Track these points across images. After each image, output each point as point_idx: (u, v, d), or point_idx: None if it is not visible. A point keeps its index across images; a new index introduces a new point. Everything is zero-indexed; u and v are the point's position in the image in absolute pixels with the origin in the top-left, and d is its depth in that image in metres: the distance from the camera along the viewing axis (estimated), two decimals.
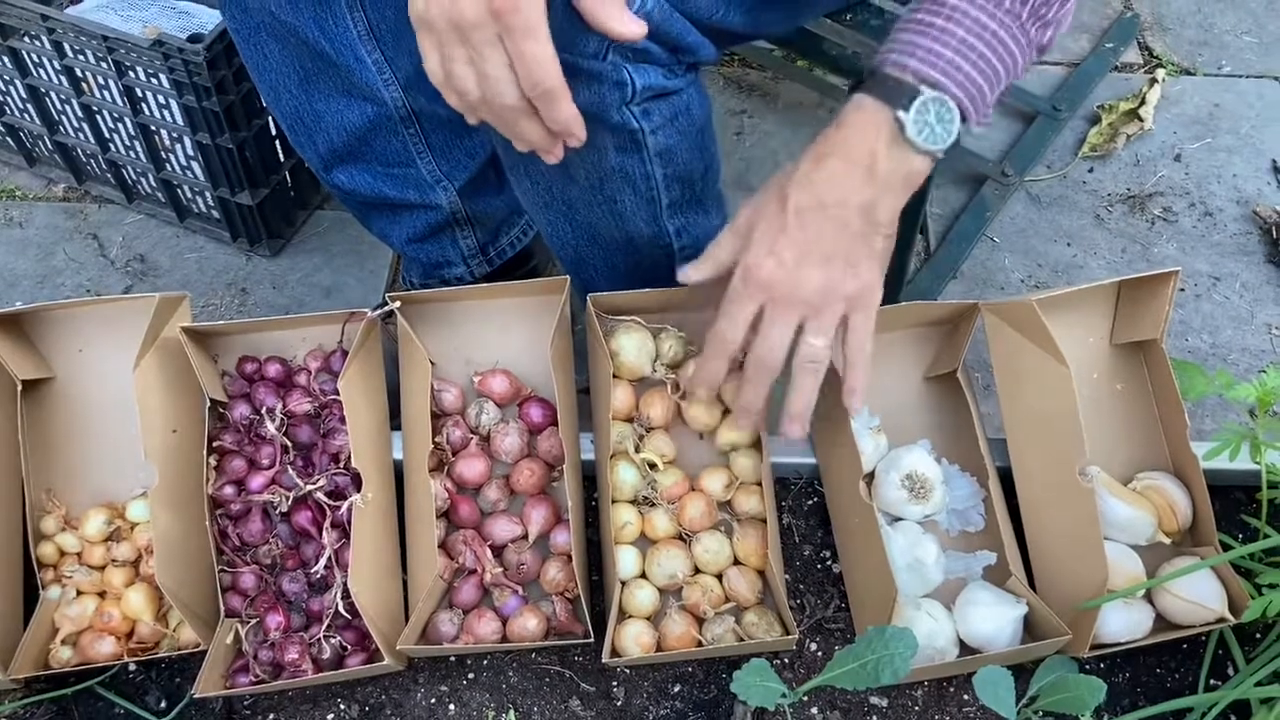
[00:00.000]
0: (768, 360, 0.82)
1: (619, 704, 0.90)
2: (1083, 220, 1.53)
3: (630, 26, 0.75)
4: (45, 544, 0.93)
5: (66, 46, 1.28)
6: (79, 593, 0.92)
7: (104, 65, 1.28)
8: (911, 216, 1.18)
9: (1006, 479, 0.96)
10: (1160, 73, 1.69)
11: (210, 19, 1.57)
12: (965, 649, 0.90)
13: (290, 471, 0.92)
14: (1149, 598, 0.92)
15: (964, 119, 0.80)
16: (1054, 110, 1.62)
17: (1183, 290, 1.47)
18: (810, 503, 1.00)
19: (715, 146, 0.99)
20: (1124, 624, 0.90)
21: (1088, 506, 0.88)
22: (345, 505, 0.90)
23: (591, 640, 0.89)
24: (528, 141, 0.78)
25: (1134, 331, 0.96)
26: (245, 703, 0.90)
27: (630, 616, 0.90)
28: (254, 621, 0.90)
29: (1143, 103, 1.64)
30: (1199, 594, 0.90)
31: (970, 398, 0.95)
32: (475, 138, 1.19)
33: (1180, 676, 0.93)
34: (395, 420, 0.99)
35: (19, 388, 0.90)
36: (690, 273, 0.85)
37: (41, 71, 1.35)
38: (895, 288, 1.29)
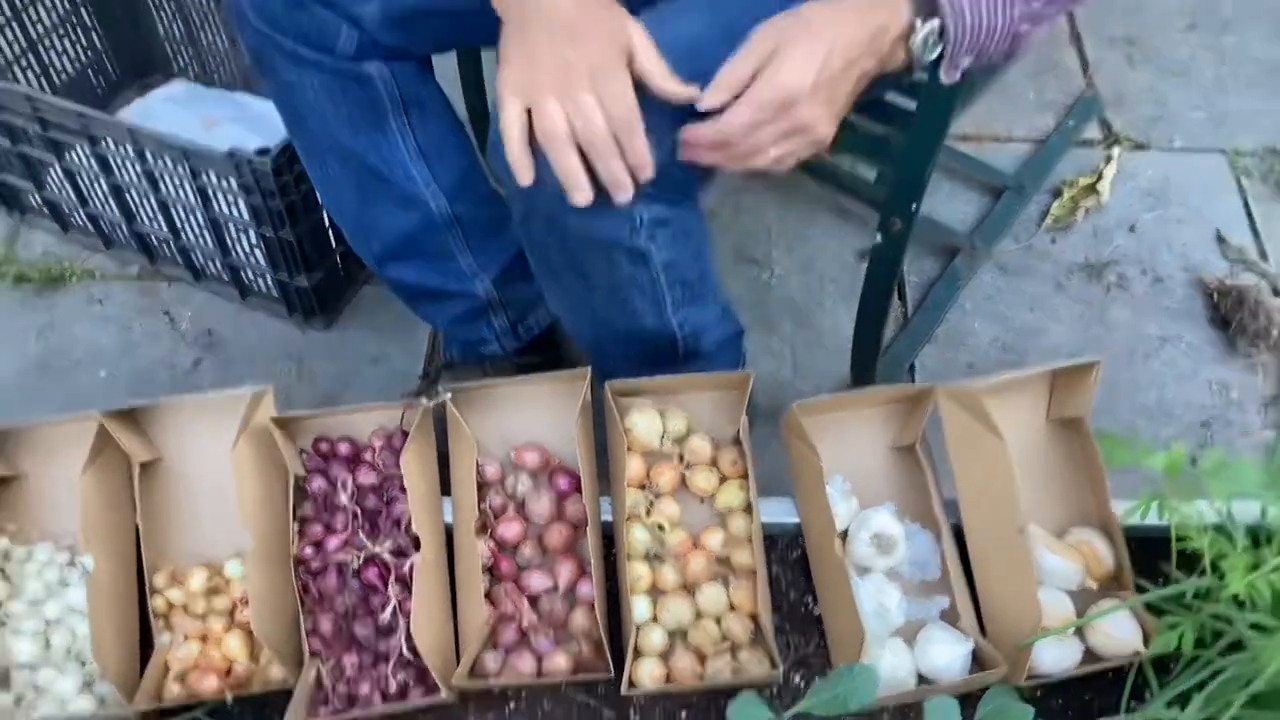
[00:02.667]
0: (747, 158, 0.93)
1: None
2: (1045, 288, 1.71)
3: (682, 90, 0.89)
4: (158, 597, 1.11)
5: (148, 153, 1.47)
6: (186, 637, 1.10)
7: (180, 169, 1.47)
8: (882, 296, 1.36)
9: (960, 535, 1.14)
10: (1116, 149, 1.87)
11: (261, 107, 1.77)
12: (923, 680, 1.07)
13: (360, 535, 1.11)
14: (1079, 635, 1.10)
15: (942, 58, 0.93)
16: (1020, 186, 1.80)
17: (1134, 351, 1.64)
18: (794, 555, 1.18)
19: (709, 252, 1.18)
20: (1057, 658, 1.07)
21: (1024, 559, 1.06)
22: (407, 563, 1.09)
23: (612, 675, 1.07)
24: (611, 175, 0.90)
25: (1066, 410, 1.14)
26: None
27: (644, 655, 1.08)
28: (332, 661, 1.08)
29: (1100, 178, 1.82)
30: (1119, 631, 1.07)
31: (927, 466, 1.13)
32: (506, 235, 1.38)
33: (1105, 702, 1.10)
34: (445, 486, 1.18)
35: (137, 468, 1.09)
36: (709, 98, 0.90)
37: (124, 173, 1.54)
38: (872, 357, 1.46)
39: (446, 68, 1.38)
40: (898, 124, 1.19)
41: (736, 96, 0.90)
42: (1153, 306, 1.69)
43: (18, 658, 1.07)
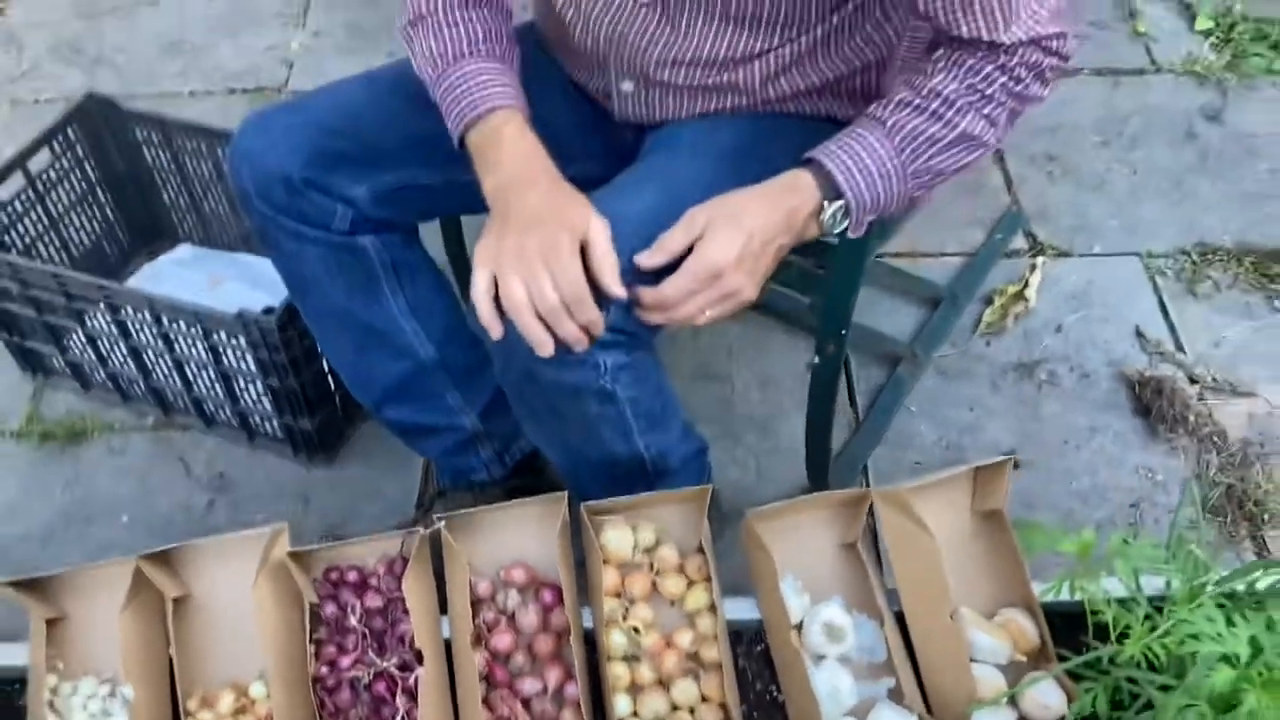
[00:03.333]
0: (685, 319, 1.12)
1: None
2: (982, 389, 1.88)
3: (617, 290, 1.07)
4: (191, 719, 1.24)
5: (164, 317, 1.64)
6: None
7: (193, 330, 1.63)
8: (825, 408, 1.52)
9: (902, 621, 1.28)
10: (1041, 258, 2.06)
11: (261, 265, 1.94)
12: None
13: (369, 653, 1.25)
14: (1013, 705, 1.23)
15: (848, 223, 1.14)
16: (954, 297, 1.98)
17: (1066, 442, 1.80)
18: (758, 649, 1.32)
19: (667, 384, 1.34)
20: None
21: (958, 640, 1.21)
22: (412, 676, 1.22)
23: None
24: (567, 335, 1.06)
25: (987, 503, 1.30)
26: None
27: None
28: None
29: (1027, 285, 2.01)
30: (1046, 699, 1.21)
31: (868, 561, 1.28)
32: (489, 374, 1.53)
33: None
34: (443, 605, 1.32)
35: (170, 605, 1.24)
36: (648, 259, 1.09)
37: (141, 335, 1.71)
38: (824, 461, 1.62)
39: (432, 235, 1.56)
40: (823, 258, 1.35)
41: (673, 266, 1.08)
42: (1081, 400, 1.86)
43: None
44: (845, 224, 1.14)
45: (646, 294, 1.09)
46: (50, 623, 1.26)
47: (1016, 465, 1.75)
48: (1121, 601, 1.15)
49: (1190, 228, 2.12)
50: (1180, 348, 1.92)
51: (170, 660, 1.25)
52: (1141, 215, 2.16)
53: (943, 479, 1.29)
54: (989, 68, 1.12)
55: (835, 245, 1.30)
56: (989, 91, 1.12)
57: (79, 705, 1.23)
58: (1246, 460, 1.76)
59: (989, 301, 2.00)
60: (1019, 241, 2.13)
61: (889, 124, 1.13)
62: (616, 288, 1.07)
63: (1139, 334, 1.94)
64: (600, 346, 1.14)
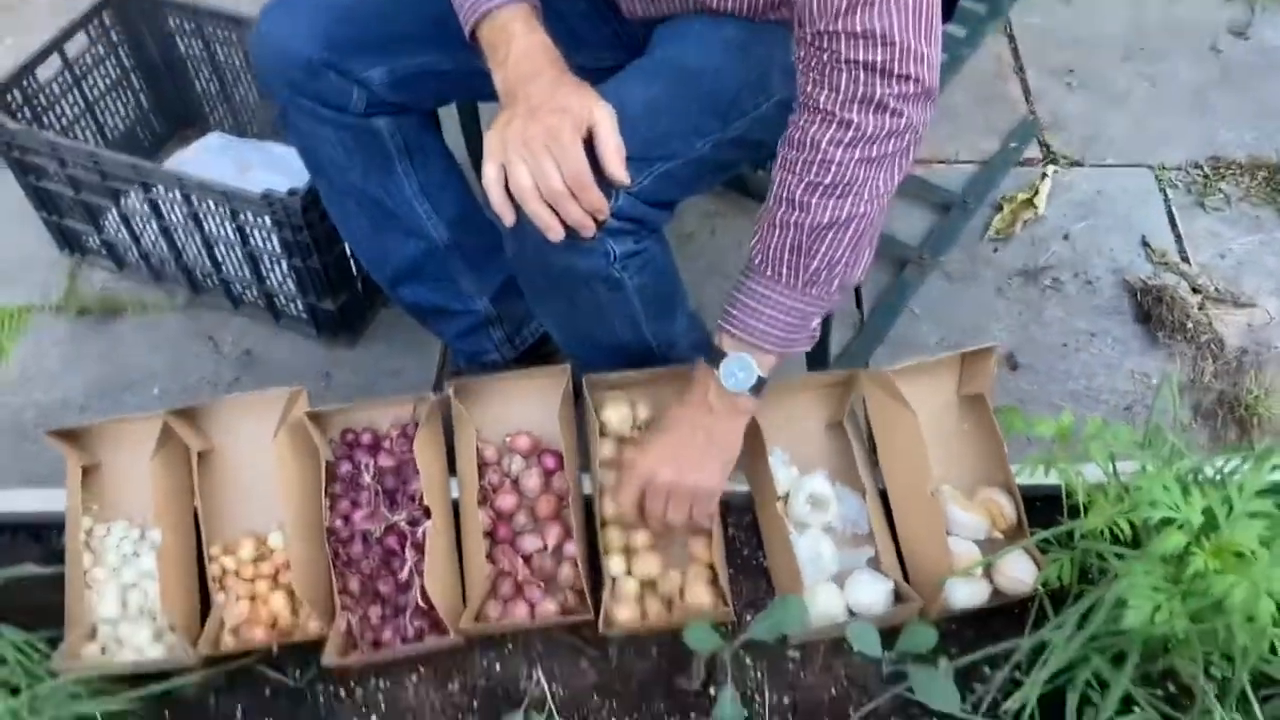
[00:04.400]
0: (655, 525, 1.27)
1: (613, 662, 1.28)
2: (987, 292, 1.92)
3: (621, 175, 1.11)
4: (214, 564, 1.33)
5: (194, 197, 1.71)
6: (238, 597, 1.32)
7: (222, 210, 1.70)
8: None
9: (885, 497, 1.35)
10: (1052, 168, 2.08)
11: (288, 153, 1.99)
12: (853, 616, 1.28)
13: (381, 508, 1.33)
14: (987, 578, 1.30)
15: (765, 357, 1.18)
16: (964, 202, 2.02)
17: (1065, 345, 1.85)
18: (747, 518, 1.39)
19: (676, 275, 1.39)
20: (967, 595, 1.28)
21: (936, 515, 1.27)
22: (420, 530, 1.30)
23: (593, 618, 1.28)
24: (572, 219, 1.10)
25: (972, 387, 1.35)
26: (355, 672, 1.29)
27: (619, 601, 1.29)
28: (359, 613, 1.29)
29: (1037, 193, 2.03)
30: (1018, 572, 1.28)
31: (854, 439, 1.34)
32: (502, 259, 1.59)
33: (1012, 632, 1.29)
34: (452, 467, 1.40)
35: (195, 457, 1.32)
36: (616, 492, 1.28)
37: (172, 215, 1.78)
38: (823, 355, 1.68)
39: (452, 128, 1.61)
40: None
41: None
42: (1084, 306, 1.90)
43: (102, 615, 1.29)
44: (755, 376, 1.17)
45: (625, 513, 1.28)
46: (85, 471, 1.34)
47: (1014, 367, 1.82)
48: (1098, 487, 1.21)
49: (1205, 141, 2.14)
50: (1185, 258, 1.95)
51: (195, 509, 1.33)
52: (1157, 128, 2.17)
53: (929, 363, 1.34)
54: (812, 130, 1.09)
55: None
56: (818, 159, 1.09)
57: (112, 546, 1.33)
58: (1241, 368, 1.80)
59: (999, 208, 2.03)
60: (1033, 151, 2.15)
61: (754, 259, 1.17)
62: (621, 173, 1.11)
63: (1145, 244, 1.97)
64: (609, 234, 1.19)
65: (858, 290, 1.92)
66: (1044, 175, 2.07)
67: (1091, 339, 1.86)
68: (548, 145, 1.09)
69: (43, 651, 1.27)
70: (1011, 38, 2.37)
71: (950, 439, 1.36)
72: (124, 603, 1.30)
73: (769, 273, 1.16)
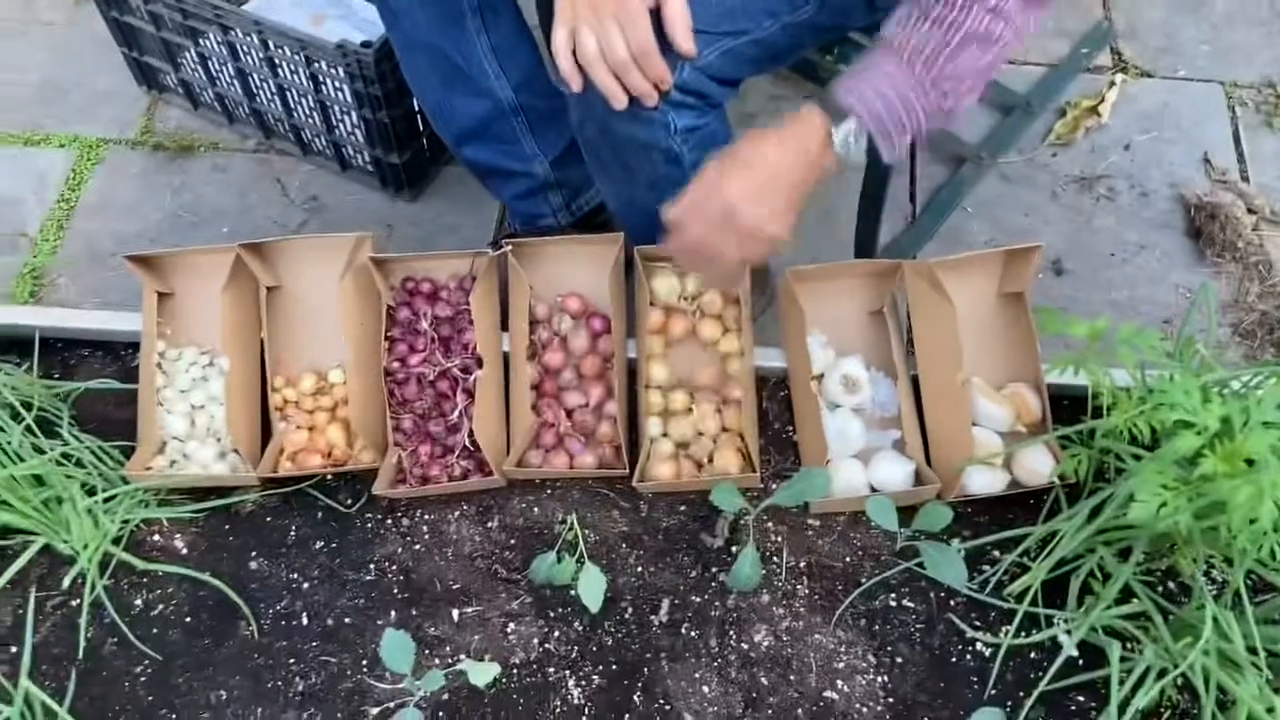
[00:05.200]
0: (707, 251, 1.19)
1: (643, 514, 1.37)
2: (1041, 196, 1.93)
3: (687, 46, 1.15)
4: (276, 394, 1.42)
5: (270, 42, 1.75)
6: (297, 427, 1.41)
7: (297, 58, 1.74)
8: (878, 188, 1.60)
9: (916, 385, 1.40)
10: (1120, 76, 2.06)
11: (362, 7, 2.03)
12: (874, 492, 1.34)
13: (436, 354, 1.40)
14: (1007, 469, 1.36)
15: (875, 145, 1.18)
16: (1028, 105, 2.01)
17: (1113, 255, 1.86)
18: (781, 394, 1.45)
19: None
20: (985, 482, 1.34)
21: (963, 403, 1.32)
22: (471, 378, 1.38)
23: (628, 473, 1.36)
24: (636, 88, 1.14)
25: (1012, 285, 1.39)
26: (402, 503, 1.38)
27: (654, 459, 1.37)
28: (410, 450, 1.38)
29: (1103, 100, 2.02)
30: (1038, 465, 1.33)
31: (892, 326, 1.39)
32: (564, 124, 1.63)
33: (1025, 521, 1.36)
34: (505, 322, 1.46)
35: (264, 291, 1.40)
36: (669, 211, 1.21)
37: (248, 59, 1.82)
38: (870, 244, 1.71)
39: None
40: None
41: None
42: (1135, 217, 1.90)
43: (171, 432, 1.39)
44: (863, 146, 1.17)
45: (669, 245, 1.20)
46: (160, 297, 1.42)
47: (1060, 272, 1.84)
48: (1124, 390, 1.25)
49: None
50: (1245, 177, 1.94)
51: (261, 341, 1.41)
52: (1234, 42, 2.13)
53: (972, 257, 1.37)
54: None
55: None
56: None
57: (182, 369, 1.41)
58: None
59: (1062, 113, 2.02)
60: (1104, 58, 2.12)
61: (895, 42, 1.15)
62: (687, 45, 1.14)
63: (1206, 160, 1.96)
64: (672, 105, 1.22)
65: (911, 183, 1.94)
66: (1111, 83, 2.05)
67: (1140, 251, 1.86)
68: (615, 14, 1.12)
69: (116, 459, 1.37)
70: None
71: (986, 333, 1.41)
72: (192, 422, 1.40)
73: (905, 60, 1.15)
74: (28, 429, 1.31)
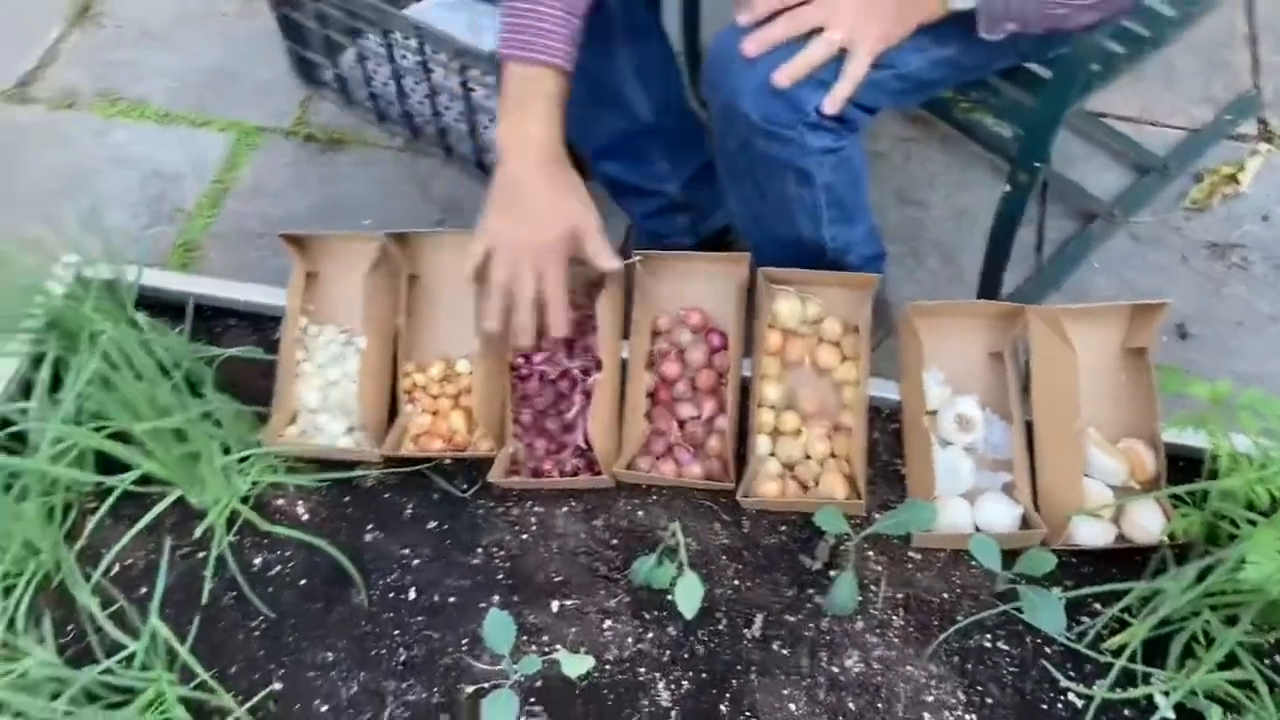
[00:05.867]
0: (791, 29, 1.22)
1: (745, 530, 1.39)
2: (1170, 258, 1.91)
3: (829, 108, 1.21)
4: (406, 378, 1.48)
5: (428, 47, 1.84)
6: (422, 410, 1.47)
7: (452, 64, 1.83)
8: (1006, 238, 1.61)
9: (1030, 428, 1.40)
10: (1265, 146, 2.03)
11: None
12: (978, 533, 1.35)
13: (560, 354, 1.45)
14: (1116, 523, 1.35)
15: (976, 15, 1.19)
16: (1165, 167, 1.99)
17: (1241, 324, 1.83)
18: (893, 427, 1.47)
19: (865, 181, 1.45)
20: (1093, 534, 1.33)
21: (1077, 453, 1.32)
22: (591, 379, 1.42)
23: (733, 488, 1.38)
24: (517, 324, 1.30)
25: (1136, 340, 1.38)
26: (514, 493, 1.43)
27: (760, 477, 1.39)
28: (526, 443, 1.43)
29: (1243, 169, 1.99)
30: (1148, 522, 1.32)
31: (1011, 369, 1.40)
32: (698, 148, 1.68)
33: (1129, 576, 1.34)
34: (626, 331, 1.50)
35: (405, 279, 1.47)
36: (744, 17, 1.24)
37: (405, 60, 1.91)
38: (994, 291, 1.71)
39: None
40: (1033, 91, 1.43)
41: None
42: (1269, 288, 1.87)
43: (305, 403, 1.46)
44: (970, 5, 1.17)
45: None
46: (308, 276, 1.50)
47: (1184, 335, 1.82)
48: (1243, 455, 1.23)
49: None
50: None
51: (397, 326, 1.48)
52: None
53: (1099, 308, 1.38)
54: None
55: (1047, 77, 1.37)
56: None
57: (322, 345, 1.49)
58: None
59: (1199, 178, 2.00)
60: (1248, 127, 2.10)
61: None
62: (609, 263, 1.33)
63: None
64: (810, 128, 1.26)
65: (1039, 233, 1.93)
66: (1254, 152, 2.02)
67: (1270, 322, 1.84)
68: (535, 260, 1.30)
69: (251, 424, 1.45)
70: (1250, 6, 2.29)
71: (1105, 385, 1.40)
72: (325, 396, 1.47)
73: None
74: (175, 387, 1.39)
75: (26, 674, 1.23)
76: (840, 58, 1.22)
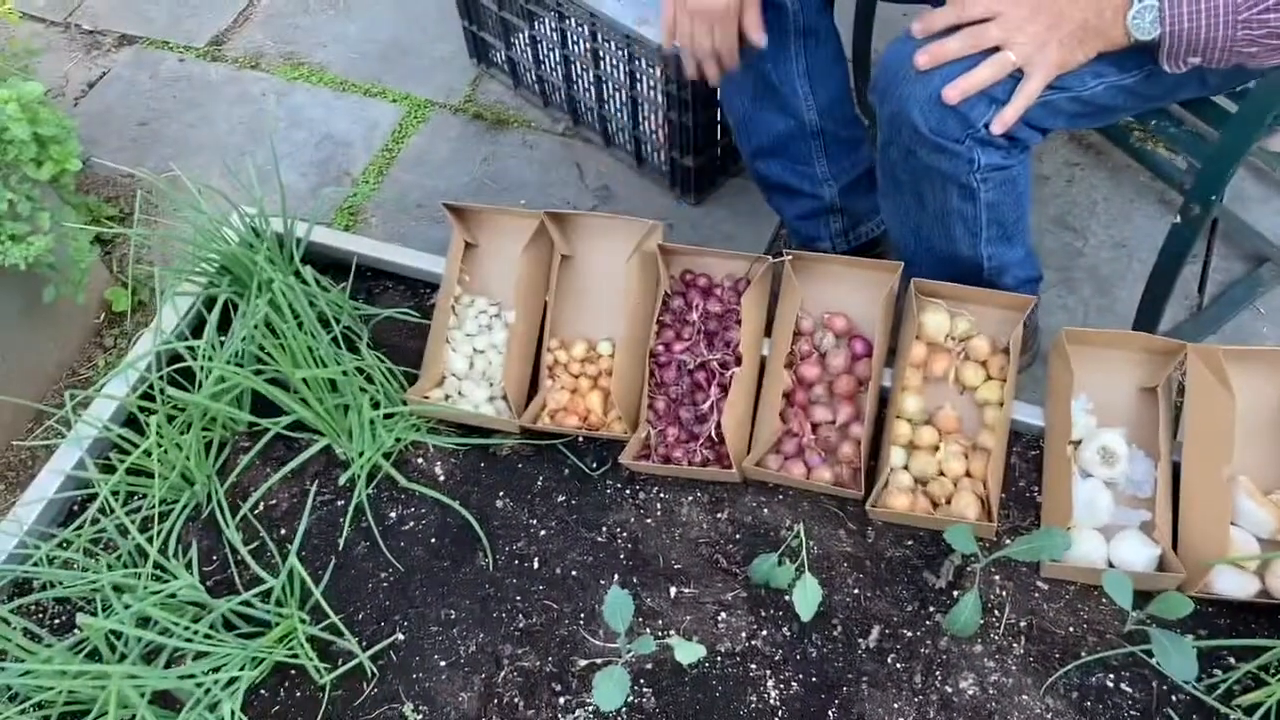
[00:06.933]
0: (968, 46, 1.19)
1: (869, 541, 1.38)
2: None
3: (996, 128, 1.20)
4: (549, 355, 1.52)
5: (600, 34, 1.87)
6: (562, 388, 1.50)
7: (621, 52, 1.85)
8: (1171, 272, 1.55)
9: (1177, 470, 1.35)
10: None
11: None
12: (1112, 569, 1.31)
13: (700, 345, 1.47)
14: (1260, 574, 1.29)
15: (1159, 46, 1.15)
16: None
17: None
18: (1033, 453, 1.44)
19: (1028, 203, 1.42)
20: (1233, 584, 1.28)
21: (1225, 498, 1.28)
22: (729, 374, 1.43)
23: (862, 497, 1.38)
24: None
25: None
26: (642, 477, 1.45)
27: (892, 488, 1.38)
28: (660, 429, 1.45)
29: None
30: None
31: (1163, 406, 1.35)
32: (858, 154, 1.67)
33: (1271, 632, 1.29)
34: (768, 329, 1.51)
35: (558, 259, 1.50)
36: (918, 27, 1.23)
37: (576, 46, 1.95)
38: (1151, 327, 1.66)
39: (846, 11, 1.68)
40: (1216, 124, 1.38)
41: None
42: None
43: (452, 369, 1.51)
44: (1155, 34, 1.13)
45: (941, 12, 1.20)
46: (466, 246, 1.55)
47: None
48: None
49: None
50: None
51: (546, 304, 1.52)
52: None
53: (1264, 351, 1.32)
54: None
55: (1232, 110, 1.32)
56: None
57: (472, 315, 1.54)
58: None
59: None
60: None
61: None
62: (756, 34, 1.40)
63: None
64: (979, 143, 1.24)
65: (1204, 271, 1.87)
66: None
67: None
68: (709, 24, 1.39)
69: (399, 383, 1.50)
70: None
71: (1263, 433, 1.35)
72: (471, 364, 1.51)
73: None
74: (333, 340, 1.45)
75: (174, 595, 1.30)
76: (1015, 77, 1.20)
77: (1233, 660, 1.27)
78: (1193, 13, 1.11)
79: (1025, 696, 1.26)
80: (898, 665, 1.29)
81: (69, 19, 2.46)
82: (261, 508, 1.46)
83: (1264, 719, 1.20)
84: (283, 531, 1.44)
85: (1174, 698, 1.25)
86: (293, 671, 1.32)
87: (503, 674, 1.31)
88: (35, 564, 1.36)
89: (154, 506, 1.40)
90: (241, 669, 1.27)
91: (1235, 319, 1.81)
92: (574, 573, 1.38)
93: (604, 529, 1.41)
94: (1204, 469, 1.32)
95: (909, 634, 1.31)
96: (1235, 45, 1.13)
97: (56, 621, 1.40)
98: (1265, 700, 1.21)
